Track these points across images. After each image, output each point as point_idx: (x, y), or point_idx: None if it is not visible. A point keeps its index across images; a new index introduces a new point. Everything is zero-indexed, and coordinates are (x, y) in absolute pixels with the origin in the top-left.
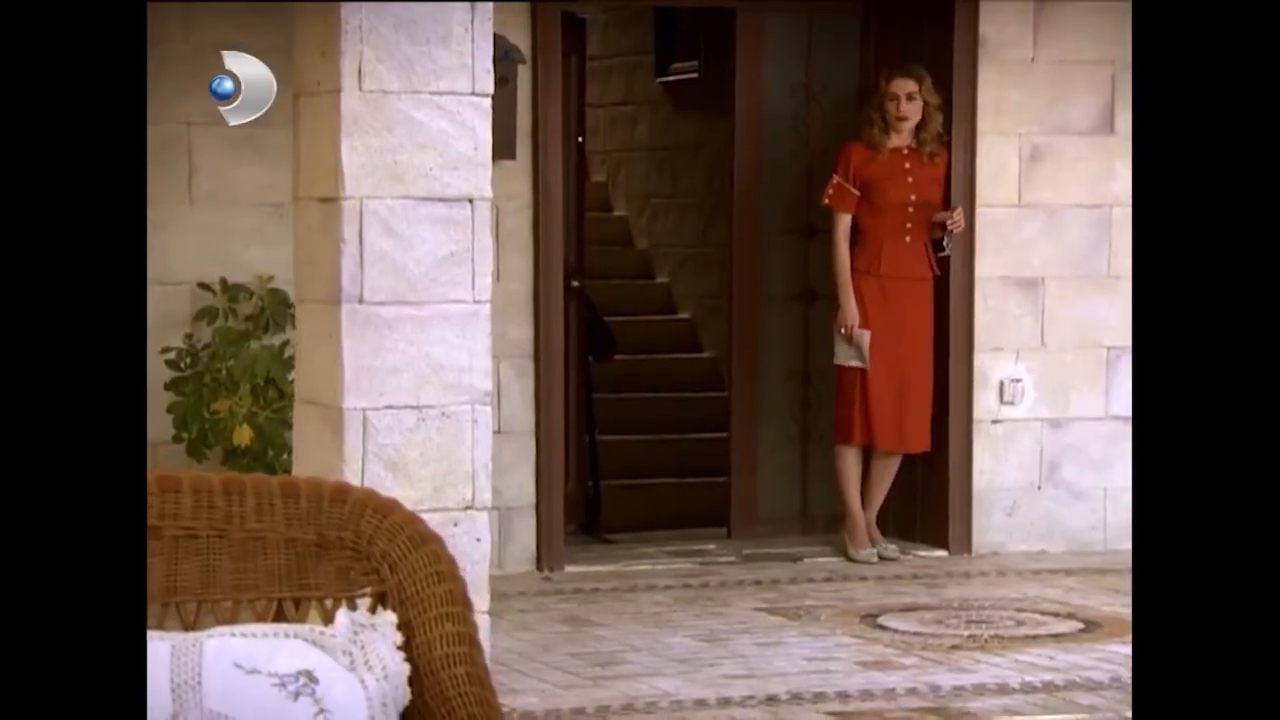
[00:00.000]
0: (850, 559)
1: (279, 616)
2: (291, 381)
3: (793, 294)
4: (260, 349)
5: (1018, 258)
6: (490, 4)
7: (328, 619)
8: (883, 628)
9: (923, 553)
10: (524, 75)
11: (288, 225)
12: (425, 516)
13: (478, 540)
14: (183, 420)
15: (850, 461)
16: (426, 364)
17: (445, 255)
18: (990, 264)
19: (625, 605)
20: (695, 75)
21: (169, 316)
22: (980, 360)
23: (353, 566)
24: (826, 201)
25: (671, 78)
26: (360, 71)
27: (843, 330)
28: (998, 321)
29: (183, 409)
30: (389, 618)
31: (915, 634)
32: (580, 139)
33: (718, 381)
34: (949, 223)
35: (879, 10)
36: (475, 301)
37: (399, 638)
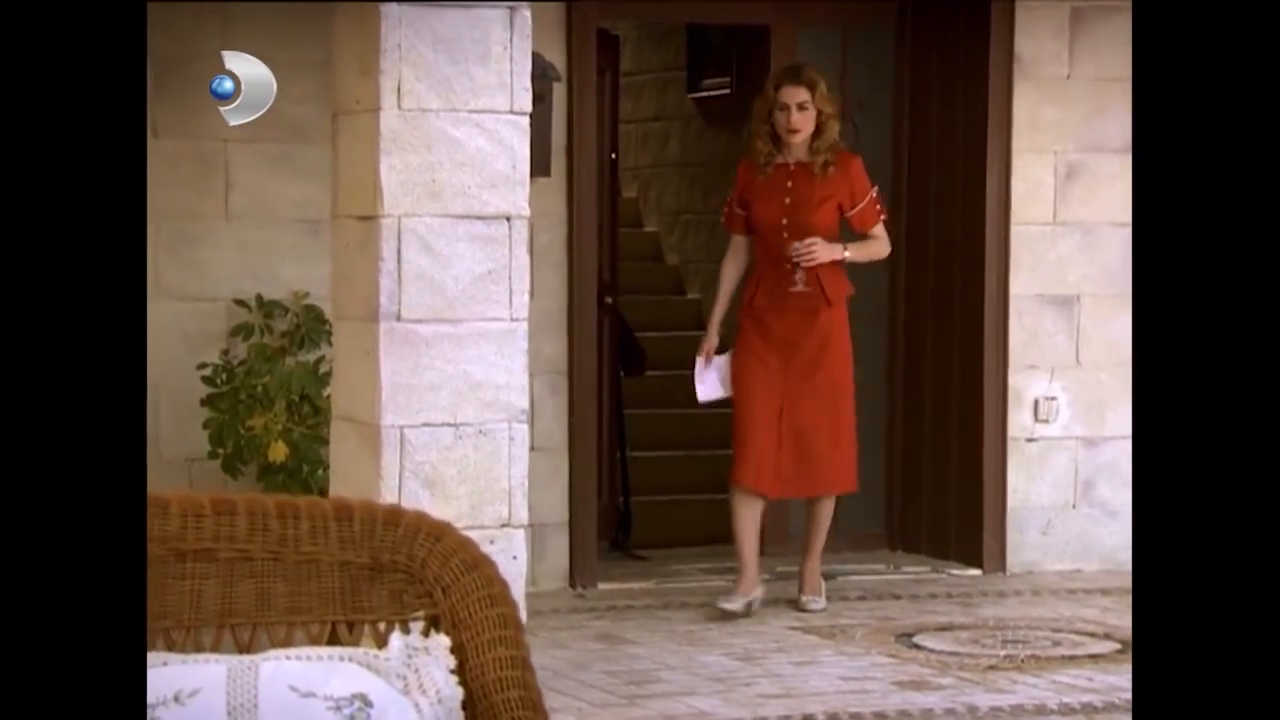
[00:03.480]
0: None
1: (333, 639)
2: (326, 397)
3: None
4: (295, 365)
5: (1053, 275)
6: (529, 23)
7: (381, 642)
8: (918, 647)
9: (956, 571)
10: (559, 92)
11: (324, 242)
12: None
13: (514, 558)
14: (218, 436)
15: (739, 503)
16: (464, 381)
17: (483, 273)
18: (1025, 282)
19: (659, 623)
20: (727, 91)
21: (205, 332)
22: (1015, 378)
23: (406, 590)
24: (723, 220)
25: (703, 93)
26: (399, 90)
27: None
28: (1032, 339)
29: (218, 425)
30: (442, 641)
31: (951, 654)
32: (614, 155)
33: None
34: (793, 255)
35: (914, 26)
36: (512, 319)
37: (452, 661)
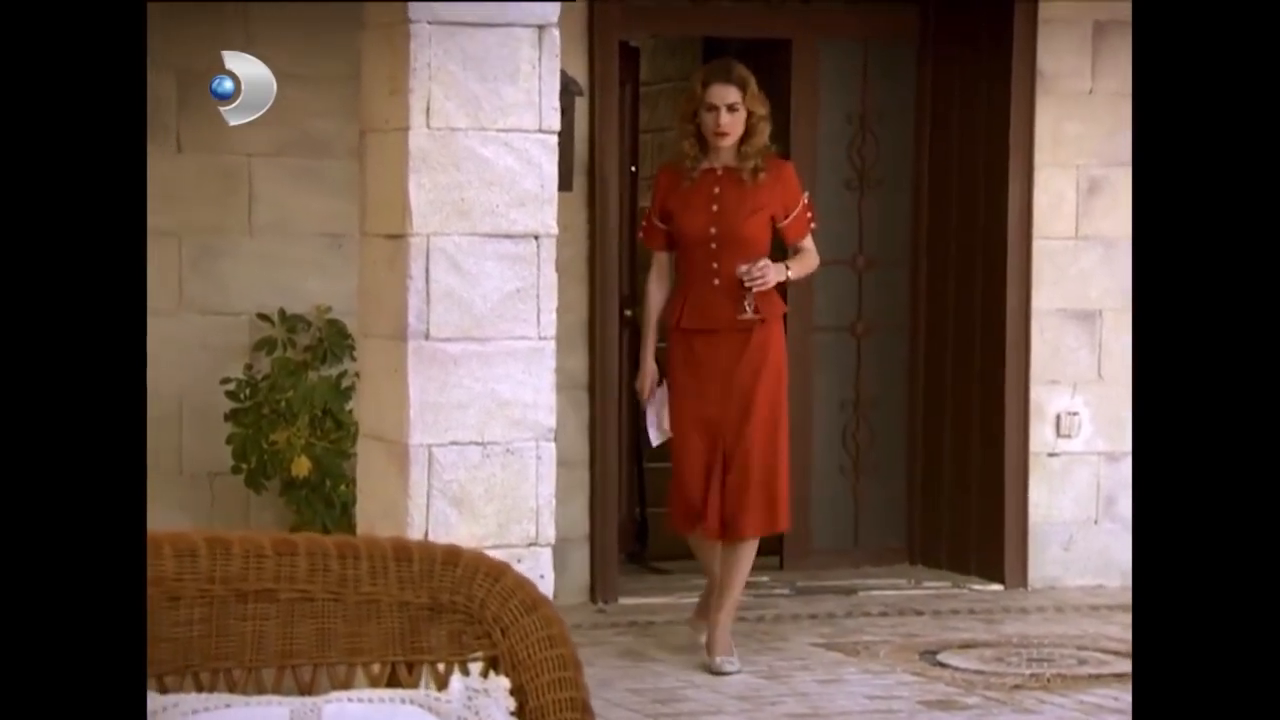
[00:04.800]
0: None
1: (392, 680)
2: (349, 412)
3: (843, 325)
4: (318, 380)
5: (1075, 290)
6: (558, 41)
7: (440, 683)
8: (943, 665)
9: (978, 586)
10: (580, 105)
11: (346, 256)
12: (489, 553)
13: (541, 577)
14: (242, 451)
15: (696, 545)
16: (491, 400)
17: (511, 291)
18: (1047, 296)
19: (682, 639)
20: None
21: (229, 347)
22: (1036, 393)
23: (465, 630)
24: (640, 237)
25: None
26: (428, 109)
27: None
28: (1054, 354)
29: (242, 440)
30: (502, 683)
31: (976, 672)
32: (634, 168)
33: None
34: (744, 278)
35: (935, 40)
36: (540, 338)
37: (512, 703)
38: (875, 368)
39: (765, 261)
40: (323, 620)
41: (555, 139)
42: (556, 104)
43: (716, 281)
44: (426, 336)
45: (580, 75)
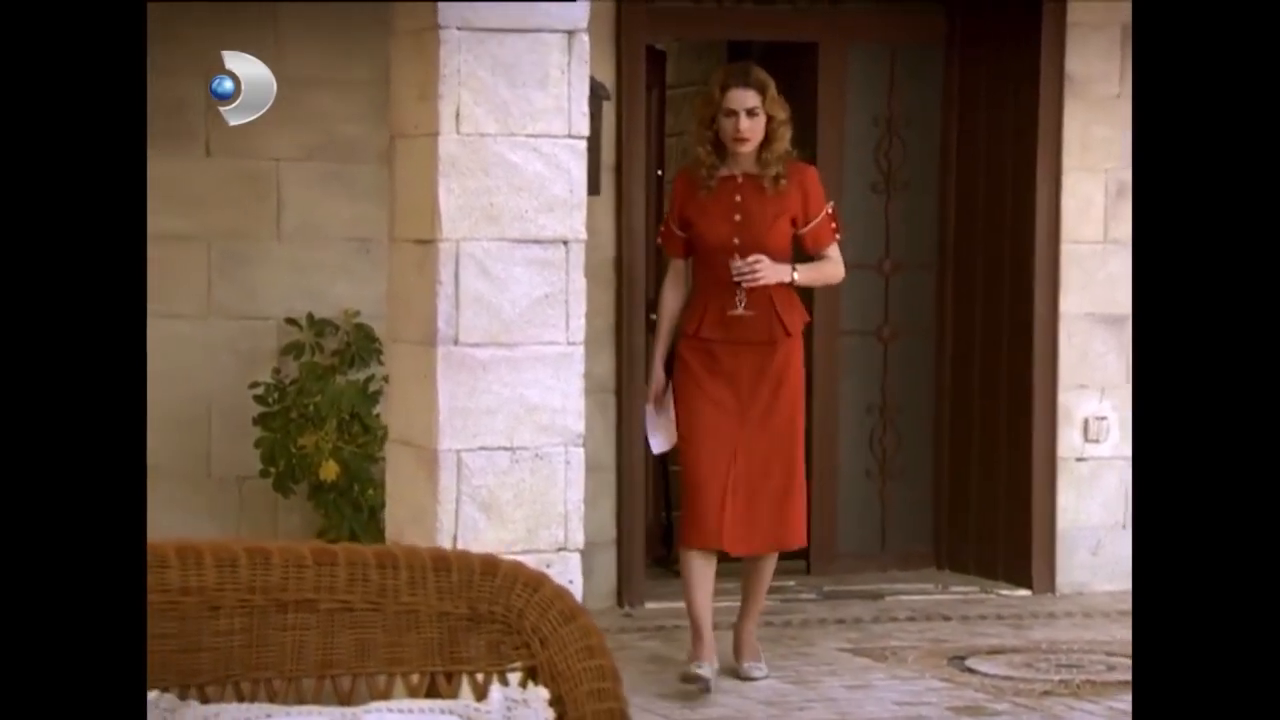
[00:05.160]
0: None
1: (431, 690)
2: (376, 416)
3: (870, 329)
4: (346, 384)
5: (1103, 294)
6: (587, 47)
7: (479, 693)
8: (971, 671)
9: (1005, 591)
10: (607, 109)
11: (374, 260)
12: (518, 558)
13: (570, 582)
14: (270, 455)
15: (692, 564)
16: (520, 405)
17: (540, 297)
18: (1075, 300)
19: None
20: None
21: (257, 351)
22: (1065, 398)
23: (503, 640)
24: (659, 243)
25: None
26: (458, 115)
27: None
28: (1082, 359)
29: (270, 444)
30: (541, 693)
31: (1005, 678)
32: (660, 172)
33: None
34: (735, 273)
35: (962, 44)
36: (569, 343)
37: (551, 714)
38: (902, 372)
39: (760, 256)
40: (362, 630)
41: (584, 144)
42: (586, 109)
43: (740, 281)
44: (455, 342)
45: (607, 79)
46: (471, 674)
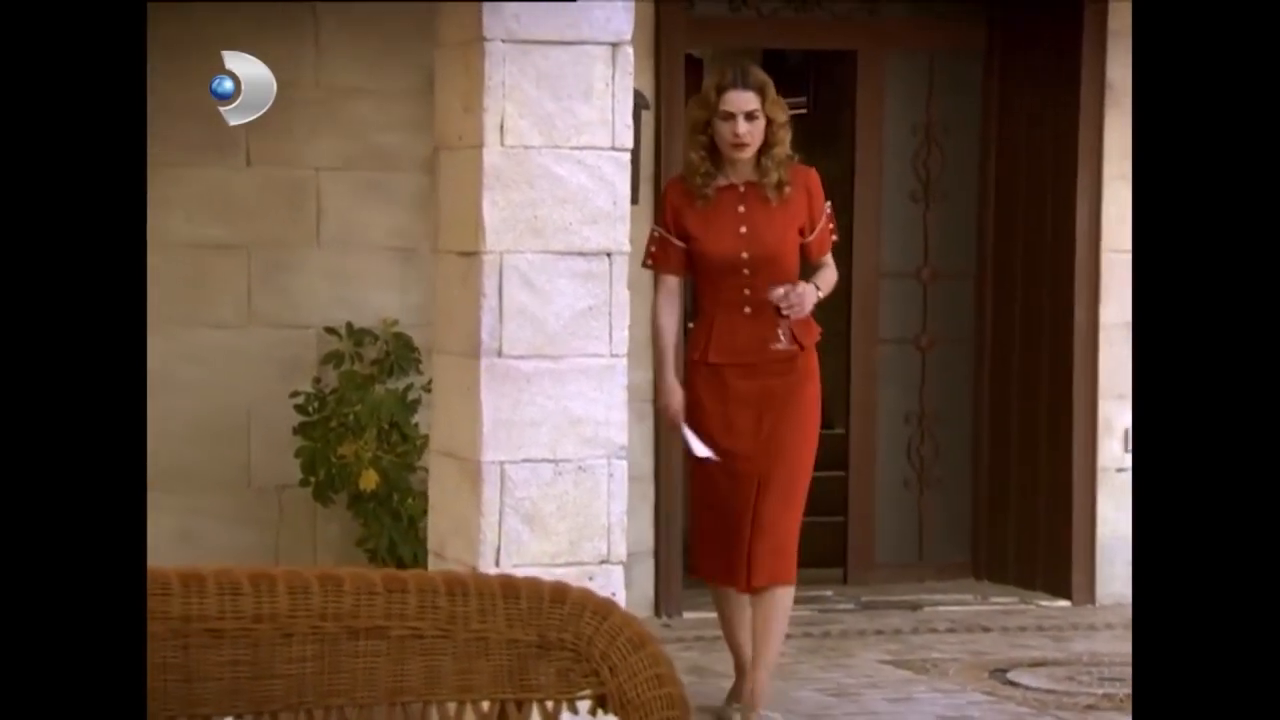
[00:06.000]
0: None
1: (502, 717)
2: (415, 425)
3: (908, 337)
4: (385, 393)
5: None
6: (631, 59)
7: None
8: (1013, 684)
9: (1045, 602)
10: (646, 118)
11: (413, 269)
12: (561, 571)
13: (612, 594)
14: (310, 464)
15: (723, 600)
16: (564, 417)
17: (584, 309)
18: (1115, 310)
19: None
20: (804, 110)
21: (297, 360)
22: (1105, 407)
23: (573, 668)
24: (649, 263)
25: None
26: (502, 127)
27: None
28: (1122, 368)
29: (310, 453)
30: None
31: (1048, 691)
32: None
33: (824, 418)
34: (781, 304)
35: (1002, 52)
36: (612, 355)
37: None
38: (940, 381)
39: (801, 285)
40: (432, 657)
41: (628, 156)
42: (630, 121)
43: (748, 310)
44: (499, 354)
45: (646, 88)
46: (541, 701)
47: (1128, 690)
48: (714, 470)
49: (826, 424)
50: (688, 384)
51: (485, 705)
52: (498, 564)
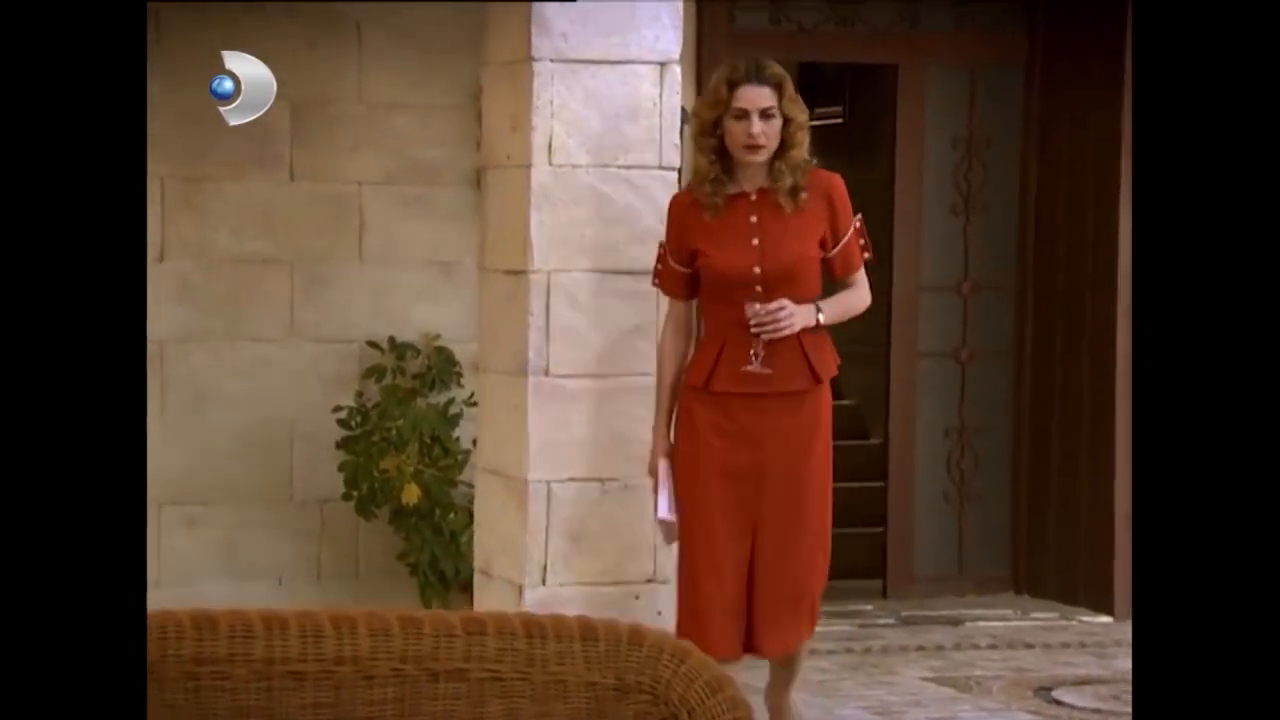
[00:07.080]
0: None
1: None
2: (456, 440)
3: (948, 351)
4: (427, 408)
5: None
6: (679, 79)
7: None
8: (1058, 703)
9: (1086, 618)
10: (688, 134)
11: (455, 283)
12: (606, 590)
13: (658, 613)
14: (352, 478)
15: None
16: (609, 437)
17: (630, 328)
18: None
19: None
20: (840, 120)
21: (340, 374)
22: None
23: (650, 712)
24: (655, 282)
25: (815, 122)
26: (550, 146)
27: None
28: None
29: (352, 467)
30: None
31: (1094, 710)
32: None
33: (860, 429)
34: (753, 322)
35: (1043, 65)
36: None
37: None
38: (980, 394)
39: (784, 302)
40: (511, 700)
41: (675, 175)
42: (677, 140)
43: (759, 333)
44: (546, 373)
45: (689, 103)
46: None
47: None
48: (710, 512)
49: (863, 434)
50: (683, 413)
51: None
52: (544, 583)
